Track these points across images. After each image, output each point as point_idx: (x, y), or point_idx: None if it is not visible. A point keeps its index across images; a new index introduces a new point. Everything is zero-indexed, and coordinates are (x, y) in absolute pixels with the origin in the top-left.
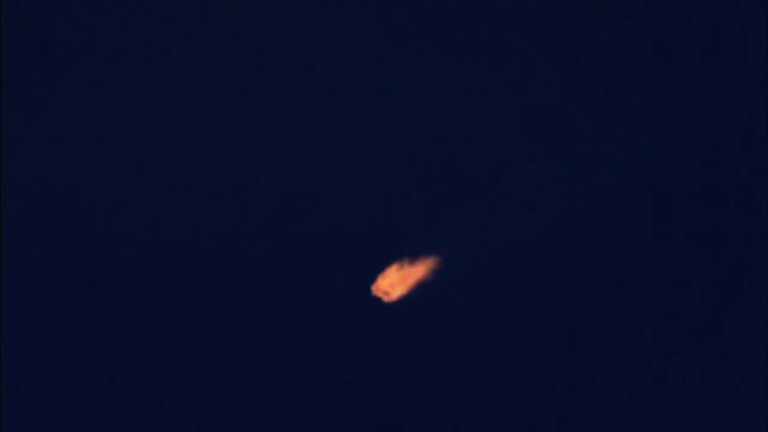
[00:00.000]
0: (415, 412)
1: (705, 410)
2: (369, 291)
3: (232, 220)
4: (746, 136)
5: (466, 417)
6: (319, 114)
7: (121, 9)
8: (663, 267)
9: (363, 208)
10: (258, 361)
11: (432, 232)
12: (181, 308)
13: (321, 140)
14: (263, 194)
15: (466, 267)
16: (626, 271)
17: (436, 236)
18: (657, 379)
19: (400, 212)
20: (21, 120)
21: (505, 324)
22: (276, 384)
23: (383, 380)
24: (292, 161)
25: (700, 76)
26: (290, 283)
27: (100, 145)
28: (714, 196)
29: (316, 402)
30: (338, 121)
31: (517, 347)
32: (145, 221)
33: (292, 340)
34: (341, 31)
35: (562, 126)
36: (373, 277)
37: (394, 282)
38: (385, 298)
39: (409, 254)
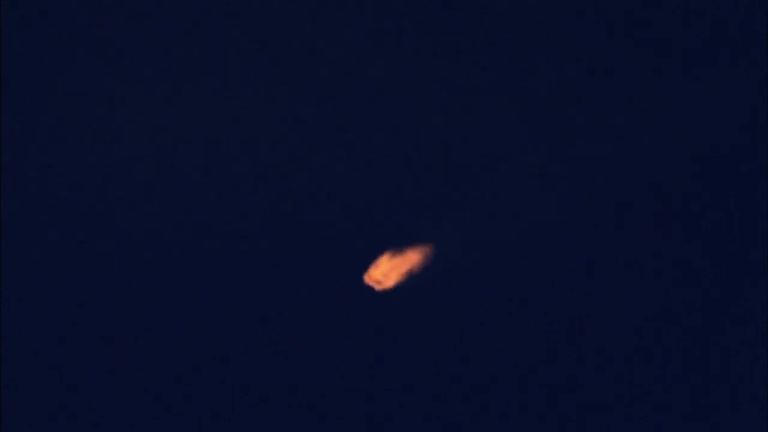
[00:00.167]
0: (410, 399)
1: (705, 410)
2: (361, 280)
3: (226, 210)
4: (746, 136)
5: (461, 402)
6: (312, 104)
7: (121, 9)
8: (662, 266)
9: (355, 197)
10: (249, 349)
11: (424, 220)
12: (181, 307)
13: (313, 130)
14: (256, 182)
15: (459, 255)
16: (624, 270)
17: (429, 225)
18: (656, 379)
19: (393, 201)
20: (21, 120)
21: (500, 313)
22: (268, 372)
23: (377, 369)
24: (285, 152)
25: (700, 76)
26: (281, 272)
27: (100, 145)
28: (714, 196)
29: (308, 389)
30: (332, 110)
31: (512, 335)
32: (145, 221)
33: (284, 329)
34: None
35: (561, 123)
36: (365, 267)
37: (387, 271)
38: (378, 288)
39: (402, 243)
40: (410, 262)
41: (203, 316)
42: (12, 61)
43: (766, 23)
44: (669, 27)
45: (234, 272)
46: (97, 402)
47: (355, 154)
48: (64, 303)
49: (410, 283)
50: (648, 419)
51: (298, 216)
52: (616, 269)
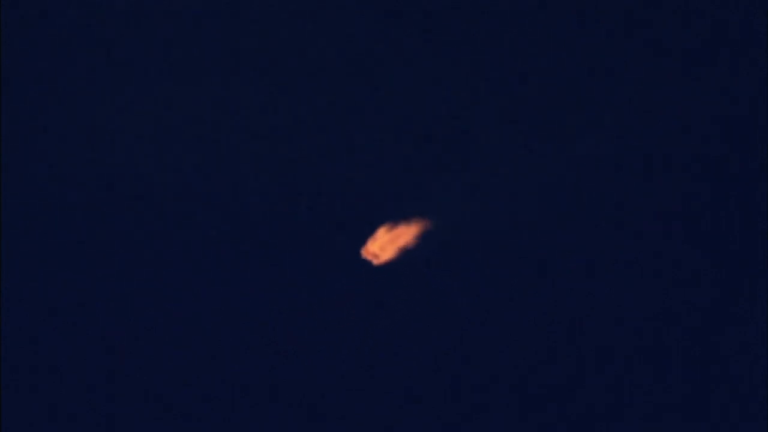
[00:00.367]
0: (407, 375)
1: (705, 410)
2: (358, 254)
3: (225, 188)
4: (746, 136)
5: (455, 376)
6: (311, 80)
7: (121, 9)
8: (662, 267)
9: (353, 172)
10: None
11: (421, 193)
12: (180, 306)
13: (312, 107)
14: (254, 158)
15: (456, 228)
16: (624, 270)
17: (426, 198)
18: (656, 378)
19: (389, 174)
20: (21, 120)
21: (497, 285)
22: (260, 349)
23: (374, 342)
24: (284, 128)
25: (700, 76)
26: (277, 248)
27: (100, 145)
28: (714, 196)
29: (304, 365)
30: (330, 87)
31: (508, 308)
32: (145, 220)
33: (279, 304)
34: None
35: (561, 123)
36: (362, 241)
37: (384, 244)
38: (375, 261)
39: (399, 216)
40: (407, 236)
41: (204, 299)
42: (12, 61)
43: (766, 23)
44: (669, 27)
45: (233, 248)
46: (97, 401)
47: (354, 131)
48: (64, 302)
49: (407, 256)
50: (648, 419)
51: (296, 190)
52: (616, 269)
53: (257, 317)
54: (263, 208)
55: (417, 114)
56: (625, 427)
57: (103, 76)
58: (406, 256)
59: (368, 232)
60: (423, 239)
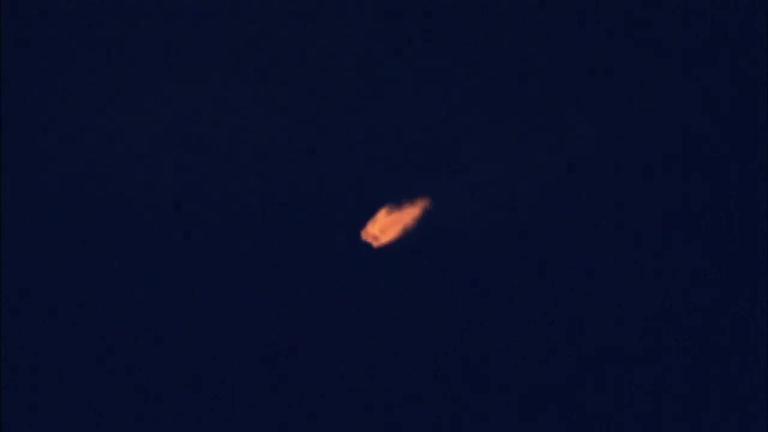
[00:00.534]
0: (406, 351)
1: (705, 410)
2: (359, 236)
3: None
4: (746, 136)
5: (455, 376)
6: (313, 67)
7: (121, 9)
8: (662, 267)
9: (353, 154)
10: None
11: (421, 175)
12: (180, 305)
13: (314, 91)
14: (256, 144)
15: (456, 228)
16: (625, 270)
17: (426, 180)
18: (656, 378)
19: (389, 156)
20: (21, 120)
21: (497, 285)
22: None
23: (374, 325)
24: (286, 111)
25: (700, 76)
26: (279, 231)
27: (100, 145)
28: (714, 196)
29: (305, 349)
30: (333, 71)
31: (508, 308)
32: (145, 220)
33: (280, 285)
34: None
35: (561, 123)
36: (362, 223)
37: (384, 226)
38: (375, 243)
39: (399, 198)
40: (407, 218)
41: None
42: (12, 61)
43: (766, 23)
44: (669, 27)
45: (234, 234)
46: (97, 401)
47: (356, 113)
48: (64, 302)
49: (407, 238)
50: (648, 419)
51: (297, 173)
52: (617, 269)
53: (258, 309)
54: (264, 200)
55: (417, 114)
56: (625, 427)
57: (103, 77)
58: (406, 255)
59: (368, 213)
60: (424, 220)
